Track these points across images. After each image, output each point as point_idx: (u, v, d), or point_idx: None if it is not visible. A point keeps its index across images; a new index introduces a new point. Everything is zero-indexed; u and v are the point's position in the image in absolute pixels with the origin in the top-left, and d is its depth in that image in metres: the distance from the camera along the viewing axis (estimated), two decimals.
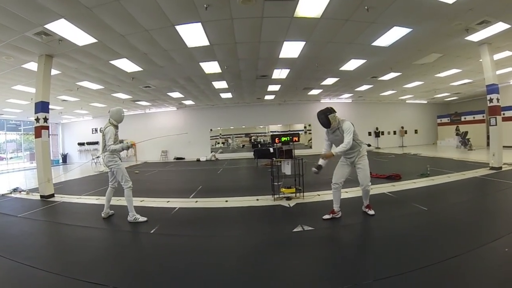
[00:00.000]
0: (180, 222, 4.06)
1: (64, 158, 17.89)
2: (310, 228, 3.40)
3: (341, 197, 3.83)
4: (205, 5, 4.44)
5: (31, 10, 4.41)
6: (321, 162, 3.64)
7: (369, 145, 3.75)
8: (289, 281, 2.23)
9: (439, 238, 2.96)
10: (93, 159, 14.86)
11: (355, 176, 3.73)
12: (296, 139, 5.32)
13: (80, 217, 4.56)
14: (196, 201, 5.24)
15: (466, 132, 14.68)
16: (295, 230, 3.36)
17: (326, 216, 3.71)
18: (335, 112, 3.63)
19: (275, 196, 5.00)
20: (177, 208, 4.72)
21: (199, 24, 5.28)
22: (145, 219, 4.00)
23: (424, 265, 2.30)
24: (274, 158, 5.59)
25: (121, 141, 4.32)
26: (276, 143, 5.65)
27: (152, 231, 3.58)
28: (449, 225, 3.39)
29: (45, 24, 4.88)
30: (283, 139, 5.30)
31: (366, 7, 4.84)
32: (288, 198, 4.95)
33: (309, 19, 5.30)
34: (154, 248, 3.13)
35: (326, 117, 3.55)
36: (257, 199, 5.09)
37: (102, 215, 4.30)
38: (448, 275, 2.18)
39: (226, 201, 5.11)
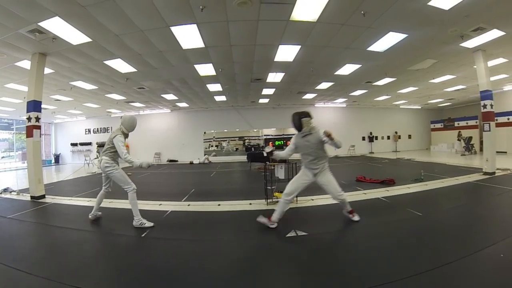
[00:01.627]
0: (172, 225, 3.98)
1: (57, 158, 17.64)
2: (304, 233, 3.36)
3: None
4: (201, 7, 4.42)
5: (25, 7, 4.34)
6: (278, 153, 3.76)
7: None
8: (282, 286, 2.20)
9: (435, 243, 2.95)
10: (86, 160, 14.69)
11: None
12: (289, 142, 5.29)
13: (71, 219, 4.45)
14: (189, 205, 5.17)
15: (471, 138, 14.47)
16: (288, 235, 3.32)
17: (261, 220, 3.62)
18: (311, 118, 3.55)
19: (268, 200, 4.95)
20: (169, 212, 4.65)
21: (195, 26, 5.25)
22: (151, 224, 3.79)
23: (420, 271, 2.29)
24: (268, 162, 5.55)
25: None
26: (270, 146, 5.62)
27: (143, 235, 3.51)
28: (444, 230, 3.39)
29: (39, 22, 4.81)
30: (277, 143, 5.27)
31: (362, 12, 4.87)
32: None
33: (305, 23, 5.31)
34: (145, 252, 3.06)
35: (299, 119, 3.48)
36: (250, 203, 5.03)
37: (90, 216, 4.17)
38: (445, 281, 2.17)
39: (219, 205, 5.05)
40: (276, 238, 3.32)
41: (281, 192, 4.88)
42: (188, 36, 5.69)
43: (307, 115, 3.53)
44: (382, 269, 2.42)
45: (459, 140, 15.21)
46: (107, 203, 5.36)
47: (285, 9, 4.73)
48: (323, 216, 3.86)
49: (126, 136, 3.95)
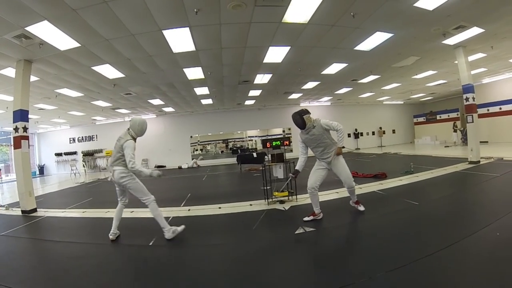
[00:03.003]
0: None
1: (41, 169, 17.02)
2: (312, 229, 3.43)
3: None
4: (195, 10, 4.42)
5: (12, 11, 4.16)
6: (298, 167, 3.91)
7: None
8: (299, 282, 2.25)
9: (435, 229, 3.14)
10: (72, 170, 14.26)
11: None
12: (287, 143, 5.38)
13: (69, 232, 4.32)
14: (189, 210, 5.13)
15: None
16: (297, 232, 3.38)
17: (307, 218, 3.76)
18: (310, 113, 3.77)
19: (268, 200, 5.00)
20: (170, 218, 4.58)
21: (187, 29, 5.24)
22: (183, 226, 3.62)
23: (426, 254, 2.44)
24: (266, 163, 5.59)
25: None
26: (268, 147, 5.68)
27: (150, 243, 3.44)
28: (441, 216, 3.59)
29: (26, 26, 4.63)
30: (274, 143, 5.34)
31: (352, 13, 5.02)
32: (282, 202, 4.97)
33: (296, 24, 5.41)
34: (156, 262, 2.96)
35: (301, 117, 3.67)
36: (251, 204, 5.06)
37: (110, 236, 3.64)
38: (451, 260, 2.34)
39: (219, 207, 5.03)
40: (286, 236, 3.37)
41: (282, 191, 5.01)
42: (180, 39, 5.67)
43: (306, 112, 3.76)
44: (391, 255, 2.54)
45: (455, 131, 15.28)
46: (104, 213, 5.28)
47: (278, 11, 4.81)
48: (327, 212, 3.93)
49: (135, 141, 3.62)
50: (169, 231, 3.50)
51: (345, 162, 3.81)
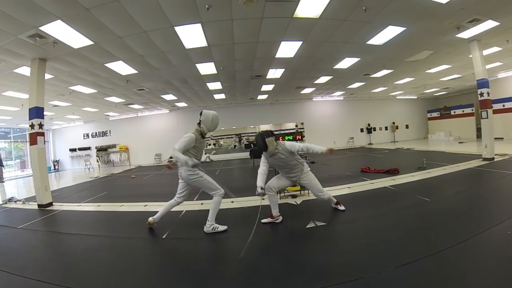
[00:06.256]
0: (190, 225, 4.00)
1: (54, 165, 17.48)
2: (323, 223, 3.45)
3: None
4: (206, 6, 4.44)
5: (26, 11, 4.27)
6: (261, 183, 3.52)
7: (312, 162, 3.89)
8: (316, 273, 2.28)
9: (446, 225, 3.11)
10: (86, 165, 14.61)
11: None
12: (299, 137, 5.39)
13: (85, 225, 4.45)
14: (202, 203, 5.19)
15: None
16: (308, 226, 3.41)
17: (265, 220, 3.68)
18: (274, 136, 3.62)
19: (281, 194, 5.02)
20: (184, 212, 4.68)
21: (199, 25, 5.27)
22: (224, 227, 3.52)
23: (438, 250, 2.45)
24: None
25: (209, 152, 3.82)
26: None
27: (164, 236, 3.52)
28: (453, 213, 3.54)
29: (40, 26, 4.74)
30: (287, 138, 5.34)
31: (364, 7, 4.95)
32: (294, 196, 5.00)
33: (308, 19, 5.37)
34: (169, 254, 3.06)
35: (262, 139, 3.52)
36: (263, 198, 5.08)
37: (150, 219, 3.75)
38: (462, 256, 2.35)
39: (232, 201, 5.08)
40: (298, 230, 3.40)
41: (293, 185, 5.02)
42: (192, 35, 5.70)
43: (270, 134, 3.58)
44: (400, 251, 2.55)
45: None
46: (118, 207, 5.41)
47: (289, 6, 4.78)
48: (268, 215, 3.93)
49: (201, 136, 3.47)
50: (210, 226, 3.47)
51: (313, 177, 3.76)
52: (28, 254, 3.22)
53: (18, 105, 10.21)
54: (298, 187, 5.04)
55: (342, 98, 17.56)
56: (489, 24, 6.31)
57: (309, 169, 3.83)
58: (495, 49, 8.42)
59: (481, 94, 7.66)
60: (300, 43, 6.70)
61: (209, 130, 3.50)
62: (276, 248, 3.00)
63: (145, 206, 5.27)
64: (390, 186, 5.33)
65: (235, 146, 18.97)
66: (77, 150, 17.32)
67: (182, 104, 14.99)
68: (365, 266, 2.32)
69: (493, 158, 7.40)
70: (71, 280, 2.47)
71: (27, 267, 2.80)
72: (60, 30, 4.96)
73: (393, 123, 18.91)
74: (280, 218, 3.73)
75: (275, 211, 3.72)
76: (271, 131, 3.66)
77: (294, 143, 3.66)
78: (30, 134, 6.26)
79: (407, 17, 5.62)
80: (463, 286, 1.96)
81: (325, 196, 3.78)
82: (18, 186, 10.73)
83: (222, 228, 3.50)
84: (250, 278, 2.34)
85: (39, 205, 5.91)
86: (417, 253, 2.42)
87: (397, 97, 18.86)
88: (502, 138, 12.90)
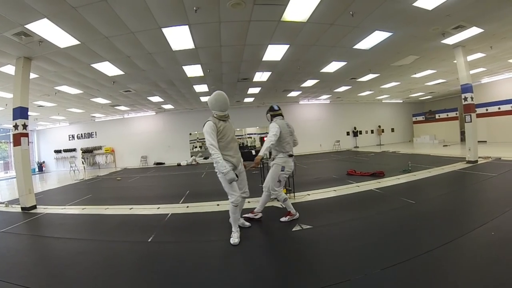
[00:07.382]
0: (175, 228, 3.97)
1: (40, 166, 17.02)
2: (309, 226, 3.48)
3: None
4: (194, 8, 4.43)
5: (11, 8, 4.16)
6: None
7: (290, 156, 3.92)
8: (302, 276, 2.29)
9: (430, 227, 3.17)
10: (71, 167, 14.29)
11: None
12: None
13: (70, 228, 4.34)
14: (187, 206, 5.16)
15: None
16: (294, 229, 3.42)
17: (245, 215, 3.91)
18: (273, 111, 4.21)
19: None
20: (169, 215, 4.63)
21: (187, 27, 5.24)
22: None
23: (421, 252, 2.50)
24: (264, 161, 5.60)
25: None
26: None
27: (149, 240, 3.48)
28: (437, 215, 3.61)
29: (26, 24, 4.63)
30: None
31: (351, 12, 5.03)
32: None
33: (295, 23, 5.42)
34: (155, 257, 3.00)
35: (266, 114, 4.22)
36: (248, 201, 5.06)
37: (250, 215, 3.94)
38: (445, 258, 2.38)
39: (218, 204, 5.06)
40: (284, 233, 3.41)
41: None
42: (179, 37, 5.67)
43: (271, 110, 4.30)
44: (386, 253, 2.58)
45: None
46: (103, 210, 5.31)
47: (277, 10, 4.82)
48: (323, 210, 3.99)
49: (219, 120, 3.17)
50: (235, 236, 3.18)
51: (272, 171, 3.84)
52: (11, 259, 3.15)
53: (2, 105, 9.92)
54: (284, 190, 5.03)
55: (329, 102, 17.75)
56: (474, 30, 6.51)
57: (281, 161, 3.78)
58: (479, 55, 8.69)
59: (465, 99, 7.88)
60: (287, 46, 6.74)
61: (222, 110, 3.19)
62: (262, 251, 3.00)
63: (130, 209, 5.19)
64: (375, 189, 5.40)
65: None
66: (62, 151, 16.92)
67: (168, 106, 14.86)
68: (351, 269, 2.35)
69: (476, 161, 7.62)
70: (56, 285, 2.43)
71: (11, 271, 2.75)
72: (46, 29, 4.86)
73: (379, 126, 19.26)
74: (260, 215, 3.92)
75: (258, 209, 3.95)
76: (272, 107, 4.32)
77: (271, 130, 3.88)
78: (14, 135, 6.07)
79: (393, 22, 5.75)
80: (449, 286, 2.00)
81: (268, 193, 3.87)
82: (1, 188, 10.40)
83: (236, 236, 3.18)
84: (235, 281, 2.33)
85: (22, 208, 5.74)
86: (403, 255, 2.47)
87: (383, 101, 19.22)
88: (486, 141, 13.33)
